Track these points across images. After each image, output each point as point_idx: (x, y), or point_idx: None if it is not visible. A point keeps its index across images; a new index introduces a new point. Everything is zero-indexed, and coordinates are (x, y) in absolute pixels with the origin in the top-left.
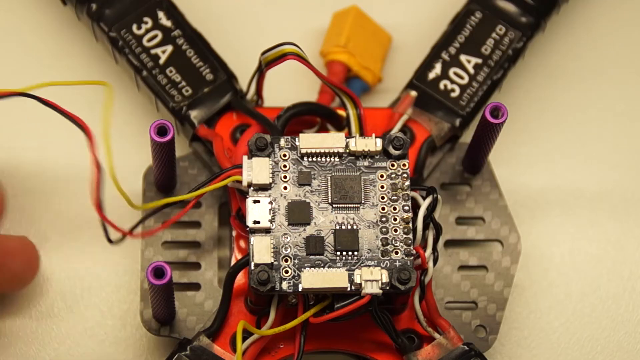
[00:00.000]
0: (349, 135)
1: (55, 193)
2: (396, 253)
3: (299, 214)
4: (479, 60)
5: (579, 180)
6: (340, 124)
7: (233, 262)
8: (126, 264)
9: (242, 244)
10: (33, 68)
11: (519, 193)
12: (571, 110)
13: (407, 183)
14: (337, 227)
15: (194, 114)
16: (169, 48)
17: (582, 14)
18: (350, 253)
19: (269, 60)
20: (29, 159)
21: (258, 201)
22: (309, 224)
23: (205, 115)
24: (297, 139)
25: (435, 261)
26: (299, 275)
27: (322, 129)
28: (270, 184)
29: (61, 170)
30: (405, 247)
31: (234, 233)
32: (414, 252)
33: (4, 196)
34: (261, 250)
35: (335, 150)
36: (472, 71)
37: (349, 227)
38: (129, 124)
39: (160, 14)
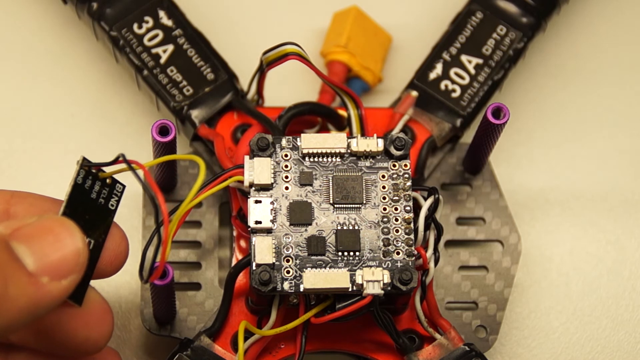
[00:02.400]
0: (350, 136)
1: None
2: (397, 253)
3: (300, 214)
4: (480, 61)
5: (579, 180)
6: (341, 124)
7: (234, 262)
8: (126, 264)
9: (242, 243)
10: (33, 67)
11: (519, 193)
12: (571, 110)
13: (409, 183)
14: (339, 228)
15: (195, 114)
16: (170, 47)
17: (582, 14)
18: (351, 253)
19: (271, 60)
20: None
21: (260, 201)
22: (310, 224)
23: (206, 114)
24: (298, 139)
25: (436, 261)
26: (300, 276)
27: (323, 129)
28: (272, 184)
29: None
30: (406, 247)
31: (234, 233)
32: (415, 252)
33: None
34: (263, 251)
35: (337, 151)
36: (473, 71)
37: (351, 228)
38: (129, 123)
39: (161, 13)
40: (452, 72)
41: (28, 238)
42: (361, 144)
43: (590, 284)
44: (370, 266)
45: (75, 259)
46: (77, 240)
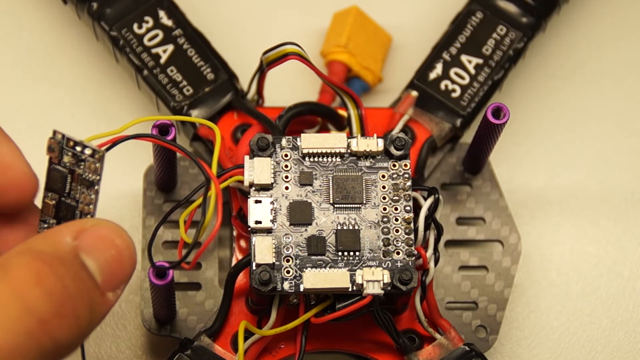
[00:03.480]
0: (350, 136)
1: None
2: (398, 253)
3: (300, 214)
4: (480, 61)
5: (579, 180)
6: (341, 124)
7: (234, 262)
8: None
9: (242, 243)
10: (33, 67)
11: (519, 193)
12: (571, 110)
13: (409, 183)
14: (339, 228)
15: (195, 114)
16: (170, 47)
17: (582, 14)
18: (351, 253)
19: (271, 60)
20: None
21: (260, 201)
22: (310, 224)
23: (206, 114)
24: (298, 139)
25: (436, 261)
26: (300, 276)
27: (323, 129)
28: (272, 184)
29: None
30: (406, 247)
31: (234, 233)
32: (415, 252)
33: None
34: (263, 251)
35: (337, 151)
36: (473, 71)
37: (351, 228)
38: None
39: (161, 13)
40: (452, 72)
41: (94, 250)
42: (361, 144)
43: (590, 284)
44: (370, 266)
45: (131, 270)
46: (133, 252)
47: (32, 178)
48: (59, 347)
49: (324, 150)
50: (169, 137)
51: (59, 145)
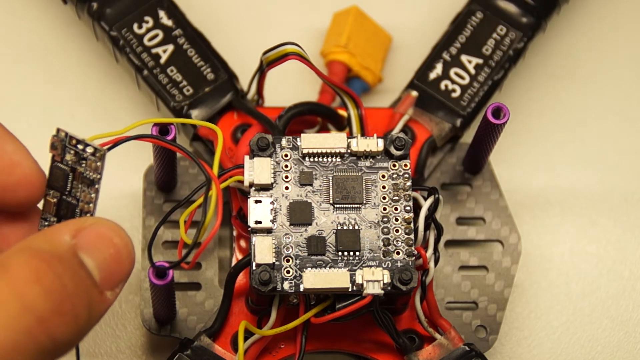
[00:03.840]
0: (350, 136)
1: None
2: (397, 253)
3: (300, 214)
4: (480, 61)
5: (579, 180)
6: (341, 124)
7: (234, 262)
8: None
9: (242, 243)
10: (33, 67)
11: (519, 193)
12: (571, 110)
13: (409, 183)
14: (339, 228)
15: (195, 114)
16: (170, 47)
17: (582, 14)
18: (351, 253)
19: (271, 60)
20: None
21: (260, 201)
22: (310, 224)
23: (206, 114)
24: (298, 139)
25: (436, 261)
26: (300, 276)
27: (323, 129)
28: (272, 184)
29: None
30: (406, 247)
31: (234, 233)
32: (415, 252)
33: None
34: (263, 251)
35: (337, 151)
36: (473, 71)
37: (351, 228)
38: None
39: (161, 13)
40: (452, 72)
41: (92, 250)
42: (361, 144)
43: (590, 284)
44: (370, 266)
45: (129, 269)
46: (131, 251)
47: (40, 174)
48: (57, 345)
49: (324, 150)
50: (169, 137)
51: (62, 143)
